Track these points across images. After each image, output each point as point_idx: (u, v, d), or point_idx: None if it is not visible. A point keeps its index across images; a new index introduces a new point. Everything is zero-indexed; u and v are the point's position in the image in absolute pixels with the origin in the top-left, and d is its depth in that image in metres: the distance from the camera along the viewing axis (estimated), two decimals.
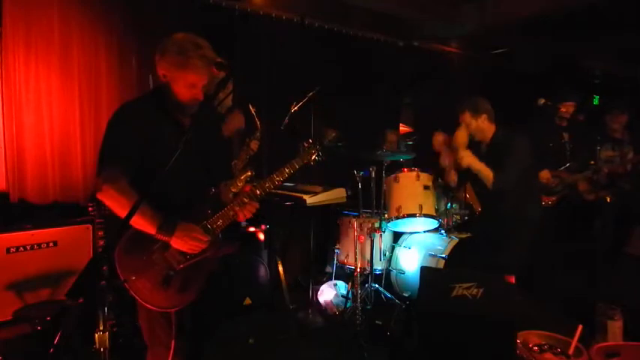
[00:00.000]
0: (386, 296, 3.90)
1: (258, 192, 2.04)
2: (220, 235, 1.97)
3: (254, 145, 3.36)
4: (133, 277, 1.80)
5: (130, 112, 1.92)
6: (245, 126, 3.57)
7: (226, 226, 2.00)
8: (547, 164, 3.88)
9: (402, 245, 4.16)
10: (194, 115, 1.94)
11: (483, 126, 3.37)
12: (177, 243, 1.84)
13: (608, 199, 4.03)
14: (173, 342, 1.89)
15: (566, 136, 4.06)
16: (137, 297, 1.81)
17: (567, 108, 3.98)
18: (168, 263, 1.85)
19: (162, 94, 1.92)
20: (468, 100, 3.44)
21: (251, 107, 3.36)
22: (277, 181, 2.07)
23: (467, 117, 3.38)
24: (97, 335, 2.50)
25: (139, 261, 1.82)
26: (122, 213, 1.75)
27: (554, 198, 3.93)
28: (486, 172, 3.26)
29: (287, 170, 2.10)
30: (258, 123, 3.34)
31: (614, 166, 4.01)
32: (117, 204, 1.79)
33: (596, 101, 5.80)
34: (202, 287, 1.91)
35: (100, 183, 1.82)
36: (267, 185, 2.06)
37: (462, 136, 3.38)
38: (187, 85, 1.86)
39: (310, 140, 2.19)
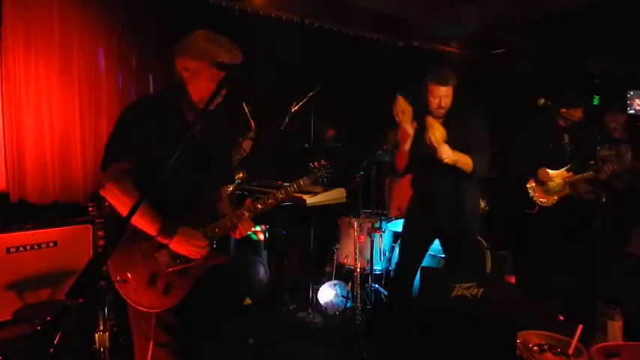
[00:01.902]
0: (386, 296, 3.90)
1: (259, 206, 2.02)
2: (215, 245, 1.95)
3: (246, 145, 3.29)
4: (126, 275, 1.80)
5: (146, 109, 1.88)
6: (240, 126, 3.55)
7: (222, 236, 1.98)
8: (547, 164, 3.88)
9: None
10: (198, 115, 1.91)
11: (450, 98, 2.94)
12: (177, 247, 1.83)
13: (603, 199, 4.03)
14: (152, 340, 1.88)
15: (566, 137, 4.06)
16: (123, 294, 1.82)
17: (576, 113, 3.95)
18: (157, 265, 1.85)
19: (177, 93, 1.89)
20: (438, 71, 2.94)
21: (245, 106, 3.30)
22: (280, 198, 2.06)
23: (449, 90, 2.92)
24: (97, 335, 2.50)
25: (128, 258, 1.82)
26: (124, 211, 1.74)
27: (555, 197, 3.93)
28: (465, 161, 2.81)
29: (292, 189, 2.08)
30: (252, 123, 3.27)
31: (611, 165, 4.02)
32: (120, 203, 1.78)
33: (596, 101, 5.81)
34: (187, 293, 1.89)
35: (105, 180, 1.80)
36: (269, 202, 2.04)
37: (440, 130, 2.82)
38: (214, 77, 1.81)
39: (322, 162, 2.15)
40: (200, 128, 1.93)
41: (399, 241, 4.19)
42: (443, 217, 3.01)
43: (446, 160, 2.77)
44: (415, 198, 3.21)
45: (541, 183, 3.88)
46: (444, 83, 2.90)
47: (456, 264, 3.07)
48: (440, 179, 2.97)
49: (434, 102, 2.93)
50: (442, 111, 2.95)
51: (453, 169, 2.83)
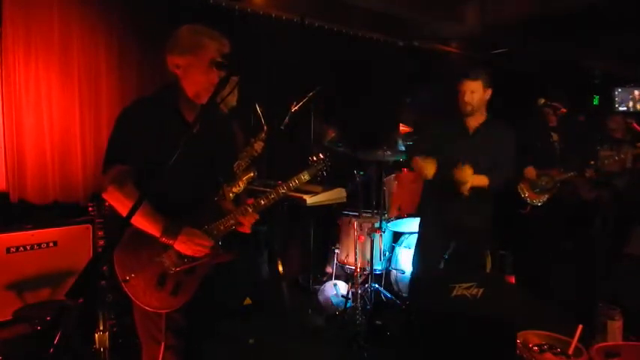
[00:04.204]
0: (386, 296, 3.90)
1: (262, 202, 2.04)
2: (220, 242, 1.96)
3: (258, 146, 3.29)
4: (132, 275, 1.80)
5: (142, 110, 1.88)
6: (251, 125, 3.53)
7: (227, 233, 1.99)
8: (536, 163, 3.89)
9: (402, 245, 4.16)
10: (198, 114, 1.90)
11: (484, 103, 3.02)
12: (181, 247, 1.83)
13: (603, 199, 4.03)
14: (163, 342, 1.88)
15: (555, 136, 4.08)
16: (131, 295, 1.82)
17: (556, 106, 4.01)
18: (165, 265, 1.85)
19: (173, 91, 1.89)
20: (481, 69, 3.04)
21: (258, 107, 3.32)
22: (282, 193, 2.08)
23: (477, 85, 2.95)
24: (97, 335, 2.50)
25: (136, 260, 1.82)
26: (126, 213, 1.74)
27: (545, 196, 3.93)
28: (481, 181, 2.91)
29: (292, 184, 2.11)
30: (265, 124, 3.28)
31: (611, 164, 4.02)
32: (122, 206, 1.78)
33: (596, 101, 5.79)
34: (195, 292, 1.90)
35: (106, 183, 1.79)
36: (272, 197, 2.06)
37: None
38: (205, 69, 1.81)
39: (321, 155, 2.19)
40: (198, 126, 1.92)
41: (398, 241, 4.21)
42: (455, 239, 3.00)
43: (463, 189, 2.85)
44: (427, 223, 3.26)
45: (526, 181, 3.90)
46: (472, 77, 2.94)
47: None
48: (453, 205, 2.99)
49: (460, 96, 2.95)
50: (469, 108, 2.97)
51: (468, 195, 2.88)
